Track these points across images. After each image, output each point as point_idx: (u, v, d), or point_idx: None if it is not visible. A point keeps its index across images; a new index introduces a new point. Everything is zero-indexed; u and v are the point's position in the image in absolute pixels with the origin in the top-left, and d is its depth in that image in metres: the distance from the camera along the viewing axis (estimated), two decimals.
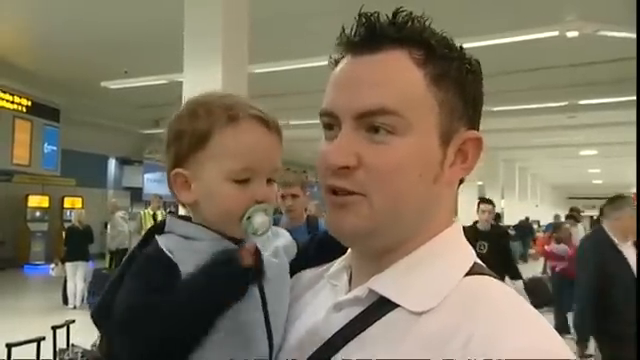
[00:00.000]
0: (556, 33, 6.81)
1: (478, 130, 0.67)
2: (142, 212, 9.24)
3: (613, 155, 18.17)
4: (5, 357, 2.94)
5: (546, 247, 7.85)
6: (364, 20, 0.63)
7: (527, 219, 17.19)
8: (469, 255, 0.66)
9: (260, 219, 0.77)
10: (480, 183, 18.40)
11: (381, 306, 0.62)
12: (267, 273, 0.77)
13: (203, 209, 0.80)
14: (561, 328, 6.91)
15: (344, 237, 0.66)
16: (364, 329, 0.62)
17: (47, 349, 3.36)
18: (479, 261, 0.66)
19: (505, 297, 0.60)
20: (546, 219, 19.09)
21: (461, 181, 0.69)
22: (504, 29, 6.64)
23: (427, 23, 0.64)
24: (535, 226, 19.66)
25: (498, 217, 18.22)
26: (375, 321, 0.62)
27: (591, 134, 14.77)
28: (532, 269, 12.14)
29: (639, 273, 4.64)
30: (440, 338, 0.56)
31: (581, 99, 10.29)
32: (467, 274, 0.62)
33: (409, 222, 0.64)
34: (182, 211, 0.98)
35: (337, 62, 0.68)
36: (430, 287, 0.61)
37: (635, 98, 4.22)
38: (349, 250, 0.73)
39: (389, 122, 0.61)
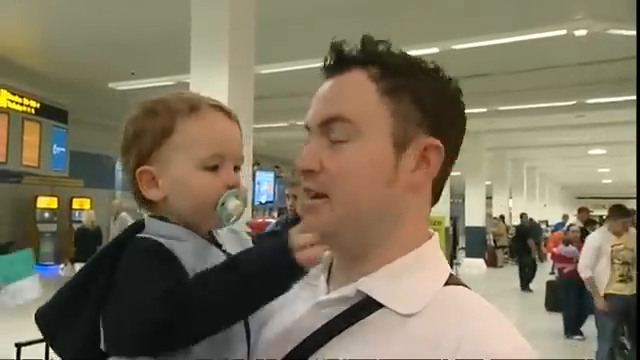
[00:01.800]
0: (564, 32, 6.78)
1: (453, 137, 0.72)
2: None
3: (622, 154, 18.01)
4: (15, 356, 2.96)
5: (554, 249, 7.80)
6: (334, 48, 0.72)
7: (529, 219, 14.70)
8: (446, 267, 0.72)
9: (233, 204, 0.78)
10: (488, 183, 18.34)
11: (365, 306, 0.66)
12: None
13: (174, 203, 0.79)
14: (571, 330, 6.87)
15: None
16: (348, 327, 0.66)
17: None
18: (453, 272, 0.72)
19: (480, 304, 0.66)
20: (554, 219, 18.96)
21: (437, 197, 0.74)
22: (512, 28, 6.61)
23: (389, 46, 0.71)
24: (543, 226, 19.56)
25: (502, 218, 18.21)
26: (359, 320, 0.66)
27: (600, 133, 14.67)
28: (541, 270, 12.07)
29: (639, 271, 4.63)
30: (430, 340, 0.61)
31: (589, 98, 10.22)
32: (446, 284, 0.68)
33: (371, 222, 0.69)
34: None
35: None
36: (416, 292, 0.66)
37: (635, 97, 4.18)
38: (325, 253, 0.75)
39: (342, 128, 0.68)
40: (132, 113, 0.84)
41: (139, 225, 0.81)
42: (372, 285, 0.67)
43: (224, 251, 0.81)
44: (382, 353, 0.62)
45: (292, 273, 0.67)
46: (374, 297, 0.66)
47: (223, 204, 0.78)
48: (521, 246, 11.97)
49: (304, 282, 0.76)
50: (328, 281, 0.75)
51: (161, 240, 0.75)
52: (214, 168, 0.79)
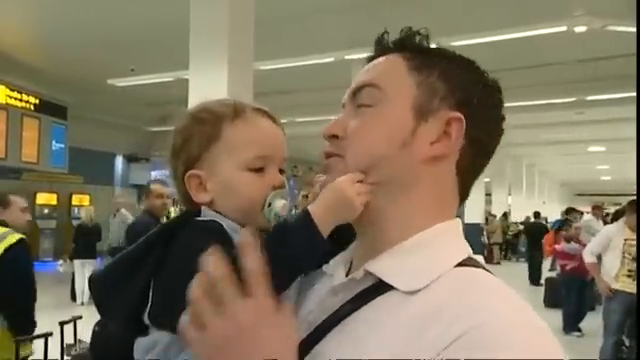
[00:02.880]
0: (564, 28, 6.76)
1: (483, 125, 0.70)
2: None
3: (622, 151, 18.02)
4: (13, 352, 2.96)
5: (556, 246, 7.82)
6: (377, 39, 0.76)
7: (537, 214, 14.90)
8: (465, 249, 0.69)
9: (280, 204, 0.80)
10: (487, 180, 18.34)
11: (376, 288, 0.65)
12: None
13: (222, 205, 0.81)
14: (570, 327, 6.90)
15: None
16: (356, 310, 0.64)
17: (55, 345, 3.38)
18: (474, 257, 0.68)
19: (496, 285, 0.62)
20: (554, 216, 18.98)
21: (467, 189, 0.73)
22: (511, 24, 6.60)
23: (426, 37, 0.74)
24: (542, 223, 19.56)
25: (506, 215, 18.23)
26: (367, 302, 0.64)
27: (599, 130, 14.67)
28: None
29: (639, 270, 4.64)
30: (425, 316, 0.57)
31: (589, 95, 10.22)
32: (460, 264, 0.64)
33: (380, 183, 0.68)
34: None
35: None
36: (422, 269, 0.63)
37: (635, 94, 4.18)
38: (349, 247, 0.77)
39: (369, 94, 0.71)
40: (180, 122, 0.86)
41: (191, 213, 0.82)
42: (380, 265, 0.66)
43: None
44: (377, 335, 0.60)
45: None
46: (379, 276, 0.65)
47: (270, 204, 0.79)
48: (533, 242, 12.20)
49: (323, 273, 0.76)
50: (349, 272, 0.73)
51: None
52: (259, 170, 0.81)
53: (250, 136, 0.81)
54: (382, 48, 0.75)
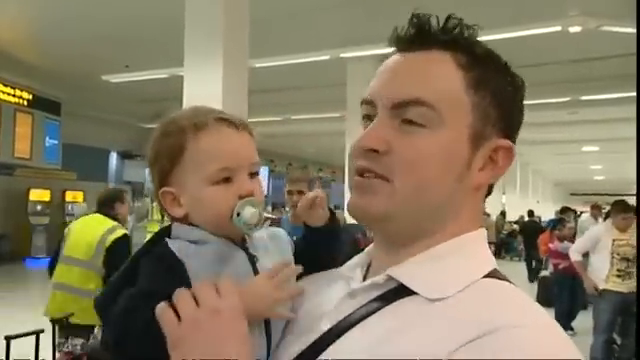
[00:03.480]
0: (559, 28, 6.78)
1: (514, 142, 0.69)
2: (151, 206, 9.33)
3: (616, 151, 18.12)
4: (4, 349, 2.94)
5: (550, 245, 7.86)
6: (415, 20, 0.67)
7: (531, 213, 15.51)
8: (490, 260, 0.67)
9: (249, 212, 0.79)
10: None
11: (396, 293, 0.63)
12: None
13: (195, 218, 0.82)
14: (562, 325, 6.93)
15: (365, 217, 0.67)
16: (376, 311, 0.63)
17: (46, 342, 3.37)
18: (498, 269, 0.67)
19: (522, 299, 0.61)
20: (547, 215, 19.06)
21: (489, 192, 0.71)
22: (506, 24, 6.61)
23: (476, 32, 0.68)
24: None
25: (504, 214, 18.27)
26: (389, 304, 0.63)
27: (593, 130, 14.74)
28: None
29: (639, 270, 4.67)
30: (452, 321, 0.56)
31: (583, 95, 10.26)
32: (486, 276, 0.63)
33: (428, 214, 0.65)
34: None
35: (387, 58, 0.71)
36: (448, 278, 0.62)
37: (635, 94, 4.20)
38: (366, 249, 0.75)
39: (422, 114, 0.63)
40: (153, 134, 0.87)
41: (162, 233, 0.84)
42: (403, 271, 0.64)
43: (250, 255, 0.82)
44: (401, 335, 0.58)
45: None
46: (402, 281, 0.63)
47: (239, 214, 0.79)
48: (531, 241, 12.39)
49: (339, 274, 0.76)
50: (365, 277, 0.72)
51: (186, 243, 0.79)
52: (227, 180, 0.80)
53: (211, 149, 0.80)
54: (424, 36, 0.66)
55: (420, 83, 0.64)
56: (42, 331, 3.25)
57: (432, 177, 0.63)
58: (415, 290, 0.62)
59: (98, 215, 3.69)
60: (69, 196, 13.86)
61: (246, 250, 0.83)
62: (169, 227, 0.84)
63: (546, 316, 0.58)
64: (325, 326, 0.66)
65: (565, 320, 6.96)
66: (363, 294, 0.66)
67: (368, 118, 0.68)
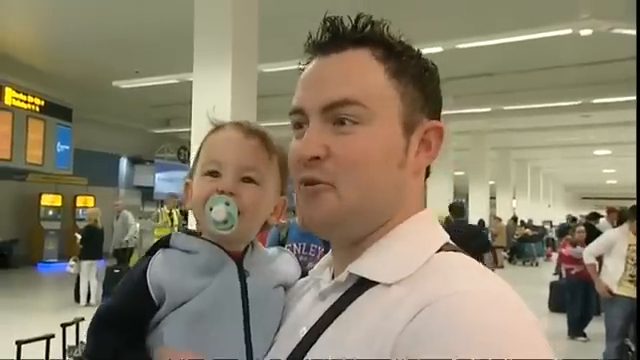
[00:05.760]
0: (570, 31, 6.74)
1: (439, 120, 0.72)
2: (159, 210, 9.39)
3: (628, 155, 17.92)
4: (15, 354, 2.95)
5: (562, 250, 7.79)
6: (329, 24, 0.68)
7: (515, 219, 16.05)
8: (441, 235, 0.68)
9: (216, 208, 0.78)
10: (492, 182, 18.27)
11: (359, 286, 0.64)
12: (261, 304, 0.80)
13: (194, 214, 0.86)
14: (575, 331, 6.85)
15: (314, 226, 0.68)
16: (343, 309, 0.64)
17: (57, 347, 3.38)
18: (451, 242, 0.68)
19: (467, 263, 0.62)
20: (559, 220, 18.91)
21: (427, 173, 0.73)
22: (517, 27, 6.58)
23: (385, 26, 0.69)
24: (547, 226, 19.44)
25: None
26: (353, 300, 0.64)
27: (605, 133, 14.61)
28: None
29: (639, 272, 4.60)
30: (401, 298, 0.58)
31: (595, 98, 10.17)
32: (439, 251, 0.65)
33: (378, 210, 0.66)
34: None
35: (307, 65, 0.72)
36: (402, 260, 0.63)
37: (635, 97, 4.16)
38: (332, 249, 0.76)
39: (353, 112, 0.64)
40: None
41: (161, 243, 0.85)
42: (362, 265, 0.65)
43: (241, 269, 0.82)
44: (359, 326, 0.60)
45: None
46: (362, 275, 0.64)
47: (211, 208, 0.79)
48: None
49: (313, 277, 0.77)
50: (334, 275, 0.72)
51: (180, 254, 0.80)
52: (214, 174, 0.81)
53: (211, 142, 0.85)
54: (338, 37, 0.67)
55: (345, 83, 0.65)
56: (52, 336, 3.26)
57: (375, 173, 0.64)
58: (374, 279, 0.63)
59: None
60: (80, 201, 13.98)
61: (240, 264, 0.82)
62: (169, 237, 0.84)
63: (494, 284, 0.57)
64: (302, 332, 0.67)
65: (578, 326, 6.87)
66: (331, 294, 0.68)
67: (299, 126, 0.68)
